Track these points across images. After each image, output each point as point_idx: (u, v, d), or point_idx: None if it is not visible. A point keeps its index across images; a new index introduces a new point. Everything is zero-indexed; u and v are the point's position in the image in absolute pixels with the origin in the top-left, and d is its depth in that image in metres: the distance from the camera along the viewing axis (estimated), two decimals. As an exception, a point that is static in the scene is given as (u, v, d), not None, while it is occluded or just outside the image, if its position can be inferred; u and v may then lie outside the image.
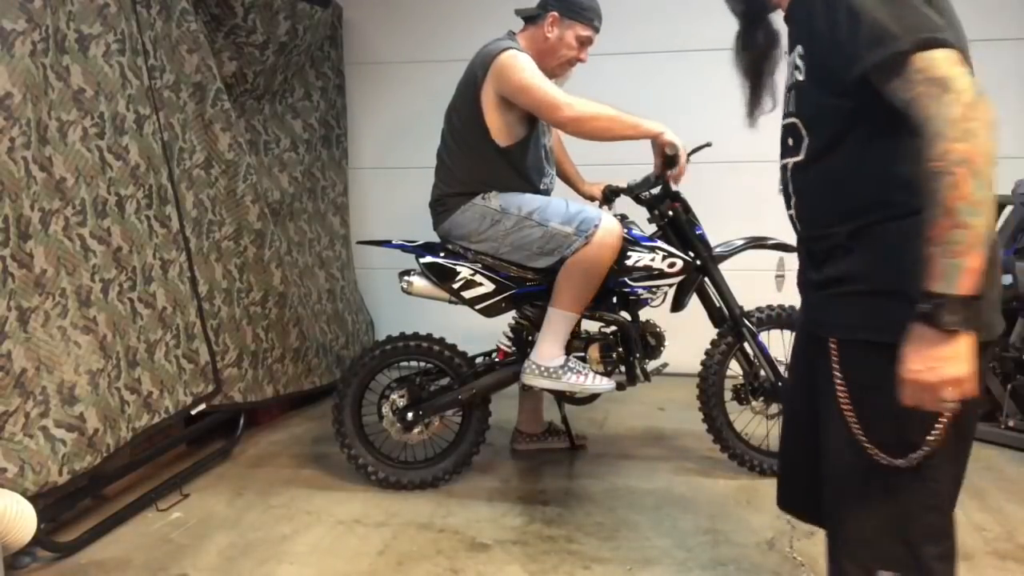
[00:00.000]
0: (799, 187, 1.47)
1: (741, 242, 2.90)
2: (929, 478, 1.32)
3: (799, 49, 1.38)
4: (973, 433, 1.39)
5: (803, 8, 1.33)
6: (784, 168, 1.50)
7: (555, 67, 2.76)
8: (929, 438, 1.29)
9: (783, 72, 1.52)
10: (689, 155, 2.67)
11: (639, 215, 2.94)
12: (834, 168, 1.37)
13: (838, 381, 1.38)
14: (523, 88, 2.57)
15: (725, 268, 2.87)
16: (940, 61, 1.17)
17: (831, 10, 1.25)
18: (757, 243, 2.91)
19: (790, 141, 1.46)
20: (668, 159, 2.66)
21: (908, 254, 1.24)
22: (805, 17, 1.33)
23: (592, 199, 3.12)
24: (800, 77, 1.39)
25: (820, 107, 1.37)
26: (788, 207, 1.53)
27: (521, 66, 2.58)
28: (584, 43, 2.75)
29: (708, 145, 2.85)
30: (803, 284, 1.58)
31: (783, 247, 2.95)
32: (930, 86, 1.17)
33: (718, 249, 2.87)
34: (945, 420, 1.28)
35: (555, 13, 2.71)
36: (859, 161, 1.31)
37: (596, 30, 2.75)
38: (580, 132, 2.61)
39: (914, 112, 1.19)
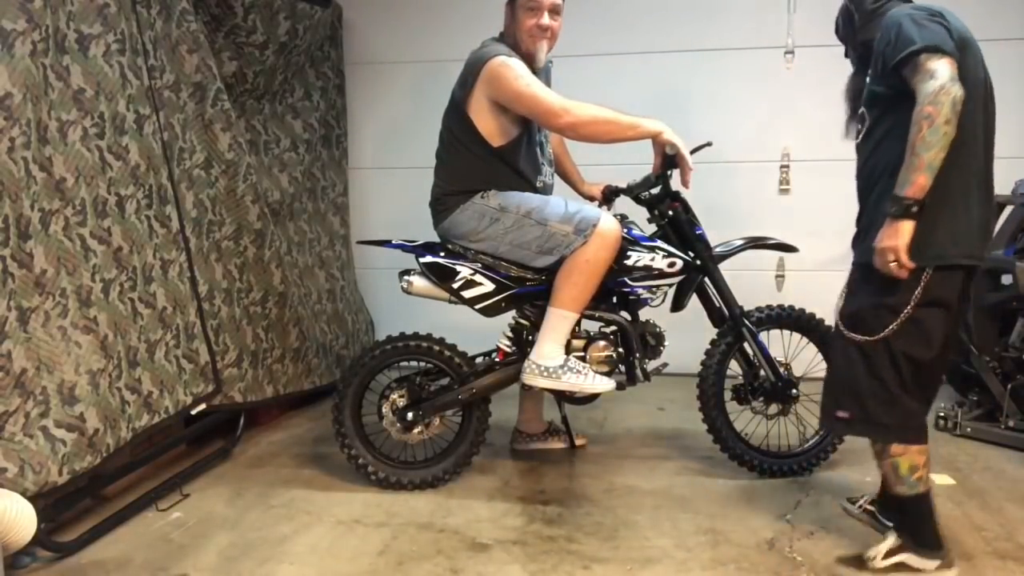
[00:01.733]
0: (859, 156, 2.19)
1: (741, 242, 2.90)
2: (872, 358, 2.07)
3: (871, 62, 2.11)
4: (933, 346, 2.05)
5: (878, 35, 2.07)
6: (857, 149, 2.22)
7: (529, 48, 2.71)
8: (880, 332, 2.04)
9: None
10: (691, 154, 2.66)
11: (639, 215, 2.93)
12: (875, 141, 2.10)
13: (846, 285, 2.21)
14: (519, 97, 2.57)
15: (725, 268, 2.87)
16: (935, 60, 1.91)
17: (887, 31, 2.00)
18: (757, 243, 2.91)
19: (859, 126, 2.19)
20: (668, 159, 2.66)
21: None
22: (875, 42, 2.07)
23: (592, 199, 3.12)
24: (867, 79, 2.14)
25: (872, 93, 2.10)
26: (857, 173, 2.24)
27: (514, 74, 2.57)
28: (534, 10, 2.67)
29: (708, 144, 2.85)
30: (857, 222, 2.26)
31: (783, 247, 2.95)
32: (924, 74, 1.91)
33: (718, 249, 2.87)
34: (896, 324, 2.01)
35: (505, 1, 2.73)
36: (889, 136, 2.04)
37: None
38: (579, 137, 2.61)
39: (915, 88, 1.92)
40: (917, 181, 1.90)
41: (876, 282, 2.04)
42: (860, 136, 2.18)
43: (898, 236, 1.94)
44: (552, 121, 2.58)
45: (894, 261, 1.96)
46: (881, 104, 2.08)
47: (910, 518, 2.18)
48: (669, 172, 2.77)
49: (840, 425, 2.18)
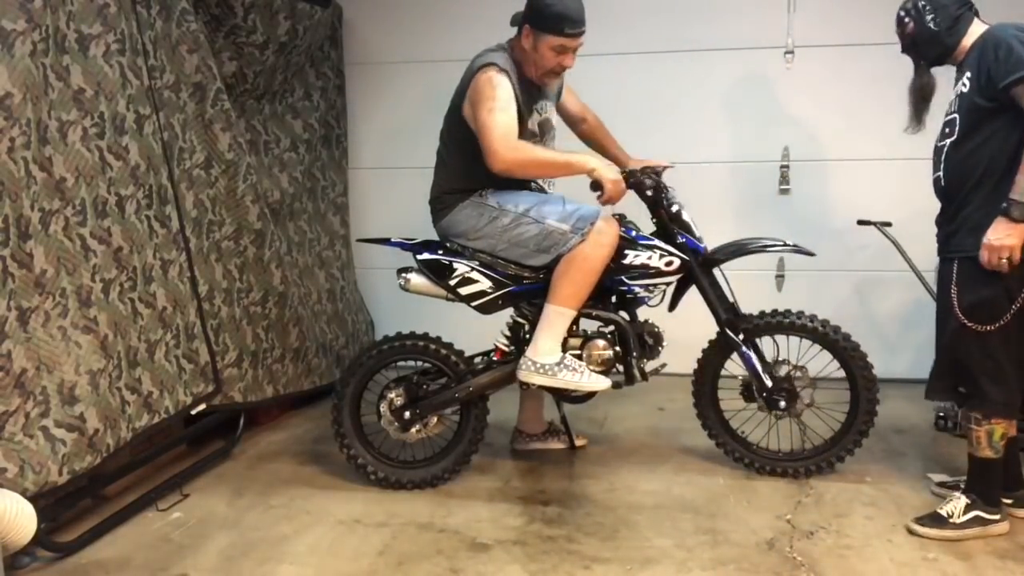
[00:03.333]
0: (949, 159, 2.40)
1: (752, 244, 2.83)
2: (988, 341, 2.33)
3: (968, 74, 2.33)
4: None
5: (975, 52, 2.31)
6: (941, 148, 2.44)
7: (539, 76, 2.70)
8: (999, 320, 2.30)
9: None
10: (656, 175, 2.77)
11: (640, 215, 2.93)
12: (973, 145, 2.32)
13: (954, 280, 2.38)
14: (477, 118, 2.58)
15: (725, 268, 2.85)
16: None
17: (995, 48, 2.23)
18: (766, 247, 2.83)
19: (947, 130, 2.42)
20: (594, 184, 2.65)
21: (991, 220, 2.25)
22: (976, 56, 2.30)
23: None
24: (964, 89, 2.35)
25: (973, 105, 2.31)
26: (937, 170, 2.45)
27: (489, 95, 2.56)
28: (561, 52, 2.64)
29: (671, 166, 2.91)
30: (940, 223, 2.52)
31: (798, 249, 2.87)
32: None
33: (718, 254, 2.82)
34: (1011, 312, 2.28)
35: (527, 24, 2.64)
36: (988, 142, 2.30)
37: (572, 36, 2.61)
38: (516, 176, 2.67)
39: None
40: None
41: (992, 274, 2.28)
42: (949, 139, 2.39)
43: (1017, 237, 2.21)
44: (488, 159, 2.56)
45: (1006, 257, 2.23)
46: (979, 114, 2.30)
47: (985, 479, 2.47)
48: (661, 185, 2.79)
49: (957, 397, 2.48)
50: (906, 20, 2.45)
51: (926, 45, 2.44)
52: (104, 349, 2.54)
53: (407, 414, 2.82)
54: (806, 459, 2.91)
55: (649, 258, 2.73)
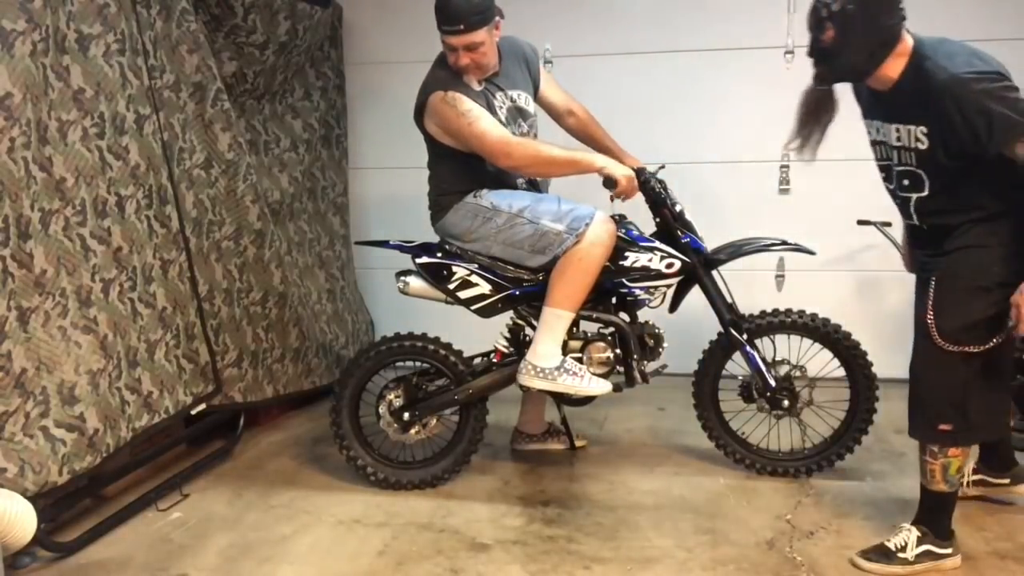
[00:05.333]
0: (924, 208, 2.19)
1: (750, 245, 2.84)
2: (976, 366, 2.15)
3: (922, 128, 2.06)
4: (1006, 353, 2.23)
5: (927, 102, 2.01)
6: (908, 200, 2.21)
7: (462, 72, 2.69)
8: (989, 342, 2.11)
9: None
10: (652, 176, 2.74)
11: (639, 216, 2.92)
12: (952, 194, 2.13)
13: (930, 302, 2.17)
14: (462, 136, 2.61)
15: (725, 267, 2.85)
16: None
17: (966, 113, 1.95)
18: (767, 247, 2.84)
19: (906, 182, 2.19)
20: (608, 181, 2.65)
21: (987, 241, 2.12)
22: (934, 111, 2.00)
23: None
24: (922, 146, 2.09)
25: (942, 166, 2.08)
26: (909, 219, 2.27)
27: (456, 112, 2.59)
28: (450, 50, 2.65)
29: (662, 167, 2.88)
30: (915, 247, 2.39)
31: (798, 248, 2.88)
32: None
33: (721, 255, 2.82)
34: (1002, 334, 2.11)
35: None
36: (965, 194, 2.11)
37: (451, 33, 2.61)
38: (524, 174, 2.75)
39: None
40: None
41: (978, 298, 2.12)
42: (915, 193, 2.18)
43: None
44: (496, 162, 2.62)
45: None
46: (953, 171, 2.09)
47: (937, 512, 2.32)
48: (657, 188, 2.77)
49: (943, 437, 2.22)
50: (827, 24, 2.02)
51: (840, 63, 2.06)
52: (104, 349, 2.54)
53: (406, 415, 2.82)
54: (806, 459, 2.92)
55: (650, 260, 2.72)
